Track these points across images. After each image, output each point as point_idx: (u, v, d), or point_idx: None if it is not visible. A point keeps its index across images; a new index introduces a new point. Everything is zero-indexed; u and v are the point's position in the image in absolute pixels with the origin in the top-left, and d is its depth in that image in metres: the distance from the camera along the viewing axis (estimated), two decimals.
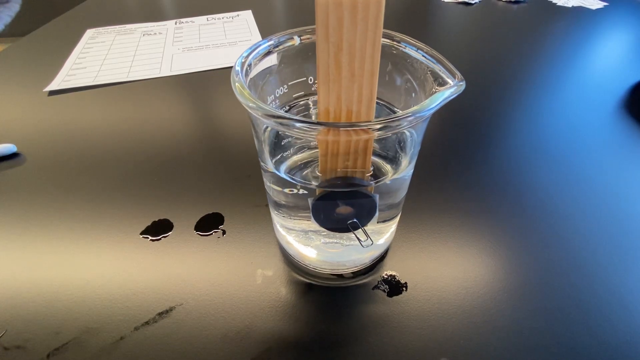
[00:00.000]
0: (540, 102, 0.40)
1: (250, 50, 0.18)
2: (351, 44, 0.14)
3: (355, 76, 0.14)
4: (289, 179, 0.19)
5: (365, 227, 0.19)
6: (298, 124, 0.14)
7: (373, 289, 0.23)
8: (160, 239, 0.26)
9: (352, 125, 0.14)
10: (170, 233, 0.26)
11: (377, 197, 0.18)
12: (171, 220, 0.27)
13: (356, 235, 0.19)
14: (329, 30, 0.13)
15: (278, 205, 0.22)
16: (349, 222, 0.18)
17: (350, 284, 0.23)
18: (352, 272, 0.24)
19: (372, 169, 0.18)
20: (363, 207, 0.18)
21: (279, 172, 0.20)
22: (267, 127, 0.20)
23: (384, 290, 0.23)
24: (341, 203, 0.18)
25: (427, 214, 0.28)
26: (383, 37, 0.19)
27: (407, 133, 0.20)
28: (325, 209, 0.18)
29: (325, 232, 0.21)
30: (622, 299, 0.22)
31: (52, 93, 0.42)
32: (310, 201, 0.18)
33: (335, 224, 0.19)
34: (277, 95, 0.21)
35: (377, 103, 0.20)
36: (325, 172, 0.17)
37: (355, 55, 0.14)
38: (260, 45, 0.19)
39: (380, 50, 0.14)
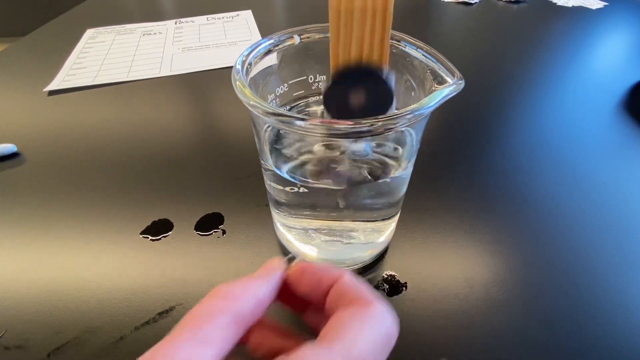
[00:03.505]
0: (540, 102, 0.40)
1: (250, 49, 0.18)
2: None
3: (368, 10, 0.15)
4: (289, 177, 0.19)
5: (365, 226, 0.19)
6: (298, 122, 0.14)
7: (373, 288, 0.23)
8: (160, 238, 0.26)
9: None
10: (170, 233, 0.26)
11: (393, 80, 0.16)
12: (171, 220, 0.27)
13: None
14: None
15: (278, 204, 0.22)
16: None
17: None
18: (352, 271, 0.24)
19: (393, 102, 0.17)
20: (378, 94, 0.16)
21: (280, 170, 0.20)
22: (267, 126, 0.20)
23: (384, 290, 0.23)
24: (354, 91, 0.16)
25: (427, 213, 0.28)
26: None
27: (407, 131, 0.20)
28: (339, 96, 0.16)
29: (326, 230, 0.21)
30: (623, 298, 0.22)
31: (52, 93, 0.42)
32: (322, 88, 0.17)
33: (349, 115, 0.17)
34: (278, 94, 0.21)
35: None
36: (337, 59, 0.16)
37: None
38: (260, 44, 0.19)
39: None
